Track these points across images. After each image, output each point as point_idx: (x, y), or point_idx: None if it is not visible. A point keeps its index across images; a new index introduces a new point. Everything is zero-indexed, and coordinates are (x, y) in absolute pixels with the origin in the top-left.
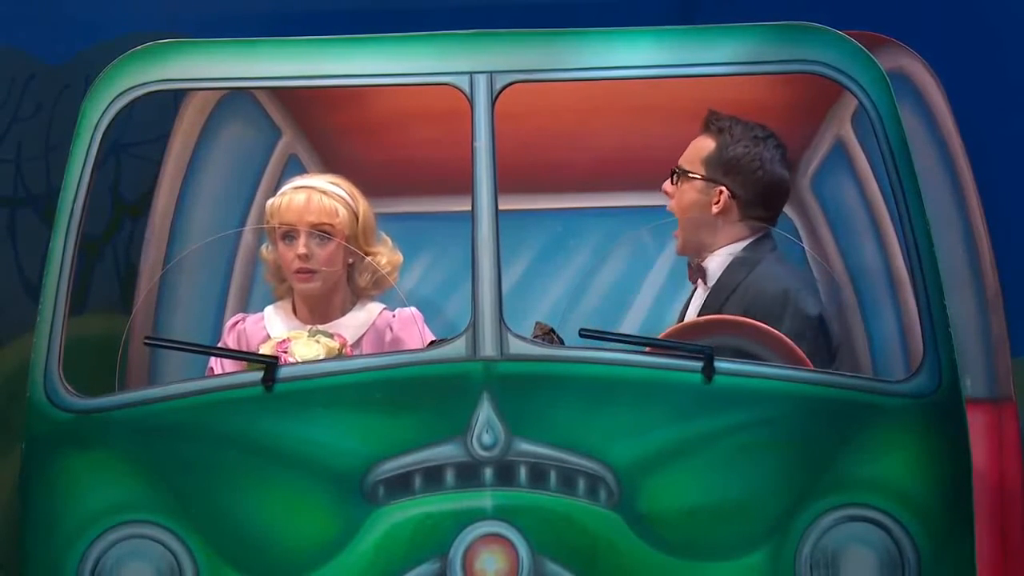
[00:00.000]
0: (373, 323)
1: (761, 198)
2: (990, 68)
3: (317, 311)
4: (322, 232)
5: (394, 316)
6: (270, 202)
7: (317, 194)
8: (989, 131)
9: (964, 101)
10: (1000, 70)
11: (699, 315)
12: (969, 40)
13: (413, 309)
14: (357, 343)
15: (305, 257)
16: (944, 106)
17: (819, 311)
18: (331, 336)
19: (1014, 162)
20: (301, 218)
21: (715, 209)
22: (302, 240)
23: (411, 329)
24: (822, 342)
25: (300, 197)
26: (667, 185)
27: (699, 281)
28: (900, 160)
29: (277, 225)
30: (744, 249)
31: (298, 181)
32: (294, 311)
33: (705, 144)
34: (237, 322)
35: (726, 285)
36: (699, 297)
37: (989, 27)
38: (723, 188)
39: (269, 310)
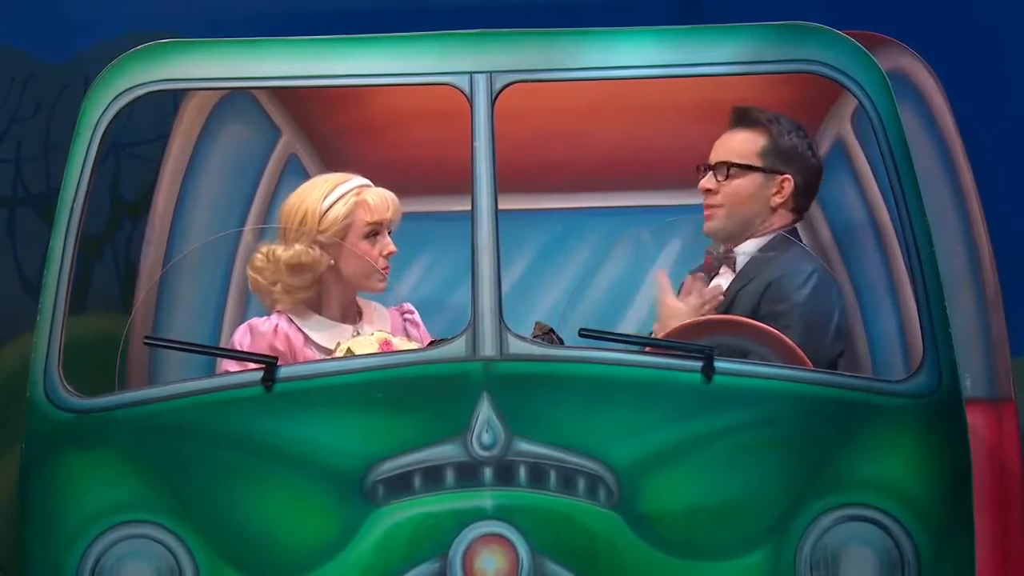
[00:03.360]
0: (392, 320)
1: (812, 186)
2: (990, 68)
3: (350, 310)
4: (389, 229)
5: (402, 313)
6: (346, 201)
7: (388, 191)
8: (989, 131)
9: (964, 101)
10: (1000, 70)
11: (726, 300)
12: (969, 40)
13: (408, 304)
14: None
15: (391, 255)
16: (944, 106)
17: (838, 304)
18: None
19: (1014, 162)
20: (388, 215)
21: (776, 199)
22: (387, 238)
23: (421, 326)
24: (826, 330)
25: (385, 194)
26: (707, 181)
27: (724, 267)
28: (900, 160)
29: (367, 223)
30: (776, 237)
31: (356, 180)
32: (320, 313)
33: (753, 137)
34: (277, 325)
35: (753, 270)
36: (720, 282)
37: (989, 27)
38: (788, 176)
39: (291, 316)
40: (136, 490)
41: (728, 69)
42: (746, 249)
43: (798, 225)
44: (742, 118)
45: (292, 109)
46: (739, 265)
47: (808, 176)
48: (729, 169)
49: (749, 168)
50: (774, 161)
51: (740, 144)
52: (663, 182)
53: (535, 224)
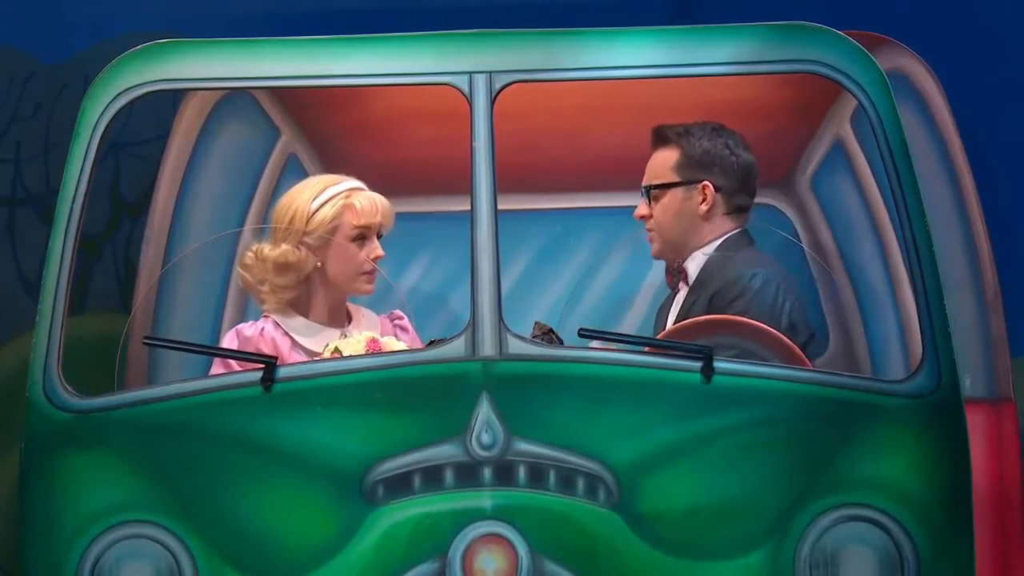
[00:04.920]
0: (381, 326)
1: (741, 183)
2: (990, 68)
3: (339, 314)
4: (379, 232)
5: (392, 320)
6: (335, 203)
7: (379, 196)
8: (989, 131)
9: (964, 101)
10: (1000, 70)
11: (680, 315)
12: (969, 40)
13: (398, 311)
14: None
15: (379, 259)
16: (944, 106)
17: (786, 300)
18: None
19: (1014, 162)
20: (377, 220)
21: (703, 208)
22: (375, 242)
23: (411, 331)
24: (786, 331)
25: (375, 198)
26: (641, 209)
27: (681, 283)
28: (899, 160)
29: (354, 226)
30: (723, 243)
31: (348, 182)
32: (305, 317)
33: (667, 155)
34: (263, 329)
35: (704, 280)
36: (680, 298)
37: (989, 27)
38: (706, 183)
39: (277, 319)
40: (136, 490)
41: (728, 69)
42: (694, 263)
43: (747, 228)
44: (657, 138)
45: (291, 109)
46: (691, 278)
47: (731, 176)
48: (651, 192)
49: (668, 186)
50: (690, 172)
51: (657, 165)
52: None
53: (534, 224)
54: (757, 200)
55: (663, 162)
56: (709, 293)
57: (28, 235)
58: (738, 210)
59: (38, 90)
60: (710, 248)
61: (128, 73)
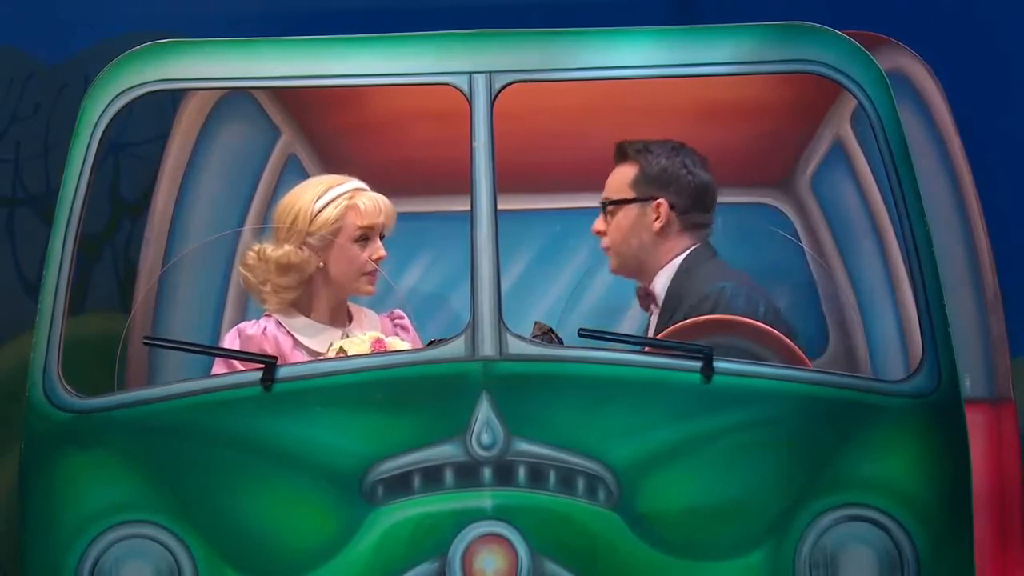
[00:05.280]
0: (382, 326)
1: (697, 202)
2: (990, 68)
3: (340, 314)
4: (381, 233)
5: (393, 319)
6: (338, 204)
7: (382, 196)
8: (989, 131)
9: (964, 101)
10: (1000, 70)
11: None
12: (969, 40)
13: (399, 310)
14: None
15: (381, 259)
16: (943, 106)
17: (759, 306)
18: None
19: (1014, 162)
20: (380, 220)
21: (657, 225)
22: (378, 242)
23: (411, 331)
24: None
25: (378, 199)
26: (598, 224)
27: (652, 305)
28: (899, 160)
29: (358, 227)
30: (684, 261)
31: (351, 183)
32: (309, 316)
33: (626, 170)
34: (265, 328)
35: (672, 300)
36: (654, 320)
37: (989, 27)
38: (661, 200)
39: (279, 318)
40: (135, 490)
41: (728, 69)
42: (659, 283)
43: (709, 241)
44: (618, 154)
45: (291, 109)
46: (659, 300)
47: (687, 194)
48: (607, 207)
49: (624, 201)
50: (646, 188)
51: (615, 180)
52: None
53: (534, 224)
54: (757, 200)
55: (621, 178)
56: (682, 312)
57: (28, 235)
58: (694, 227)
59: (38, 90)
60: (673, 266)
61: (128, 73)
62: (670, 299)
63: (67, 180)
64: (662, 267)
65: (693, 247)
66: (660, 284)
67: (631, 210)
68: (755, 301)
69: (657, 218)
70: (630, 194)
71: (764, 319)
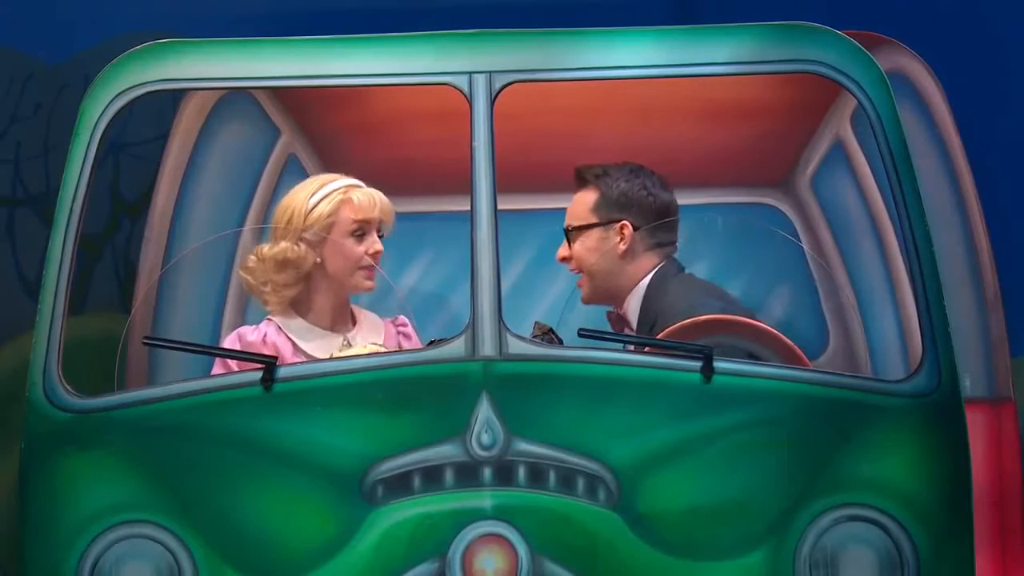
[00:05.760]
0: (385, 332)
1: (659, 222)
2: (990, 68)
3: (342, 317)
4: (379, 230)
5: (396, 325)
6: (332, 199)
7: (378, 192)
8: (989, 131)
9: (964, 101)
10: (1000, 70)
11: None
12: (969, 40)
13: (403, 316)
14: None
15: (378, 254)
16: (943, 106)
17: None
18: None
19: (1014, 162)
20: (375, 215)
21: (621, 247)
22: (374, 237)
23: (414, 338)
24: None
25: (374, 194)
26: (562, 251)
27: (626, 328)
28: (899, 160)
29: (353, 220)
30: (652, 280)
31: (346, 180)
32: (306, 318)
33: (586, 196)
34: (265, 334)
35: (646, 320)
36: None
37: (989, 27)
38: (624, 223)
39: (279, 321)
40: (135, 490)
41: (728, 69)
42: (631, 306)
43: (674, 257)
44: (578, 179)
45: (291, 109)
46: (633, 323)
47: (650, 215)
48: (569, 233)
49: (586, 227)
50: (608, 212)
51: (576, 207)
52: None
53: (535, 224)
54: (757, 200)
55: (582, 204)
56: (657, 332)
57: (28, 235)
58: (659, 247)
59: (38, 90)
60: (641, 287)
61: (128, 73)
62: (644, 320)
63: (67, 180)
64: (631, 289)
65: (659, 266)
66: (632, 307)
67: (594, 234)
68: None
69: (621, 239)
70: (592, 219)
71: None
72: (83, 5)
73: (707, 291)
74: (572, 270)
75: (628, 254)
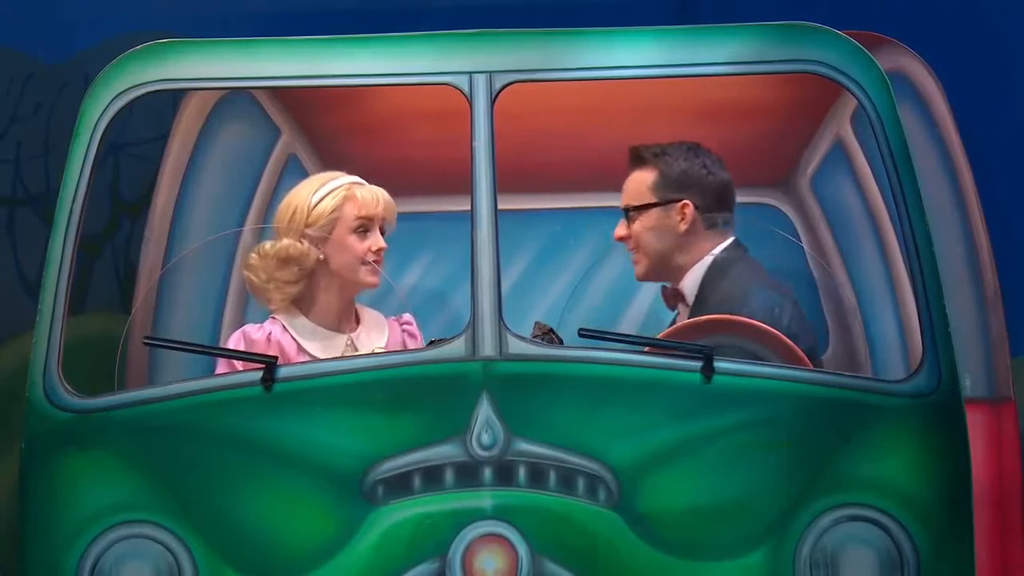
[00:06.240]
0: (390, 330)
1: (719, 201)
2: (990, 68)
3: (347, 316)
4: (382, 228)
5: (401, 324)
6: (335, 195)
7: (381, 189)
8: (989, 131)
9: (964, 101)
10: (1000, 70)
11: None
12: (969, 40)
13: (407, 315)
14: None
15: (381, 251)
16: (944, 106)
17: (785, 312)
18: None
19: (1014, 162)
20: (378, 212)
21: (683, 226)
22: (377, 234)
23: (419, 337)
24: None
25: (377, 191)
26: (620, 230)
27: (680, 304)
28: (899, 160)
29: (356, 217)
30: (716, 260)
31: (349, 177)
32: (310, 316)
33: (645, 175)
34: (270, 333)
35: (705, 298)
36: (683, 318)
37: (989, 27)
38: (686, 202)
39: (284, 319)
40: (135, 490)
41: (728, 69)
42: (689, 282)
43: (739, 241)
44: (634, 159)
45: (291, 109)
46: (690, 299)
47: (710, 194)
48: (629, 213)
49: (646, 206)
50: (667, 192)
51: (634, 186)
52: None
53: (535, 224)
54: (757, 200)
55: (640, 183)
56: (714, 310)
57: (28, 235)
58: (720, 225)
59: (38, 90)
60: (704, 264)
61: (128, 73)
62: (703, 297)
63: (67, 180)
64: (691, 267)
65: (725, 243)
66: (690, 282)
67: (654, 214)
68: (784, 310)
69: (683, 219)
70: (652, 198)
71: (788, 328)
72: (83, 5)
73: (765, 280)
74: (630, 249)
75: (689, 233)
